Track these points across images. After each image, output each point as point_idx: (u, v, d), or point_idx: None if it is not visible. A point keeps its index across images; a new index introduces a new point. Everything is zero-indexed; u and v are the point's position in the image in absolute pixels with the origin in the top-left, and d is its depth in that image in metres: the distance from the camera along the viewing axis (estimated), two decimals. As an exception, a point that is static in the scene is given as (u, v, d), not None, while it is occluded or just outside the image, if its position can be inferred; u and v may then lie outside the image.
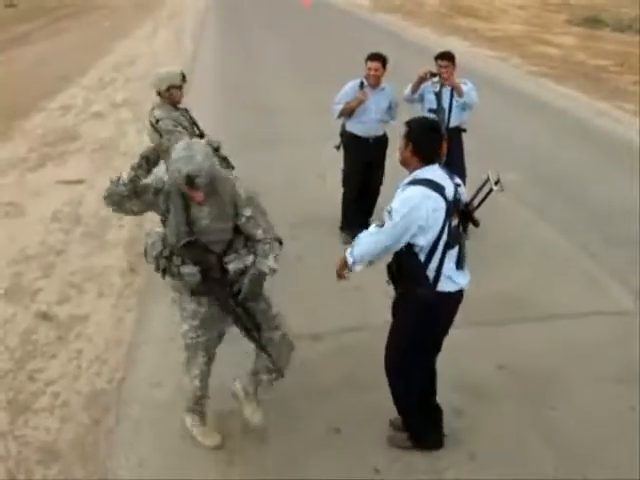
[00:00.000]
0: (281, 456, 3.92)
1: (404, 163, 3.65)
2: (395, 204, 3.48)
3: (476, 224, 3.69)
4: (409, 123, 3.64)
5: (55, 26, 24.64)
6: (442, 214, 3.46)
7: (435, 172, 3.55)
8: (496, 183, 3.51)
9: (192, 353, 3.82)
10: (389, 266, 3.69)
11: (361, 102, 6.29)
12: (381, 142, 6.57)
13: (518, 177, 8.32)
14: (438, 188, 3.46)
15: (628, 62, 15.79)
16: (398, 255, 3.60)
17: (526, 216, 7.31)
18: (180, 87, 5.38)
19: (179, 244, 3.48)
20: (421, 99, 6.52)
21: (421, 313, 3.63)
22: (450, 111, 6.43)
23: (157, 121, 5.29)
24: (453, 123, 6.47)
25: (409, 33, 21.41)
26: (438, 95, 6.40)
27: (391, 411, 4.05)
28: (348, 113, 6.41)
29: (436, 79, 6.36)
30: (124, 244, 6.66)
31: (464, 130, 6.63)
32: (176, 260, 3.54)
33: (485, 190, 3.55)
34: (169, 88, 5.31)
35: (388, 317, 4.18)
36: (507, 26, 22.72)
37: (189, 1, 34.67)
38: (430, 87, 6.42)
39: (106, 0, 33.94)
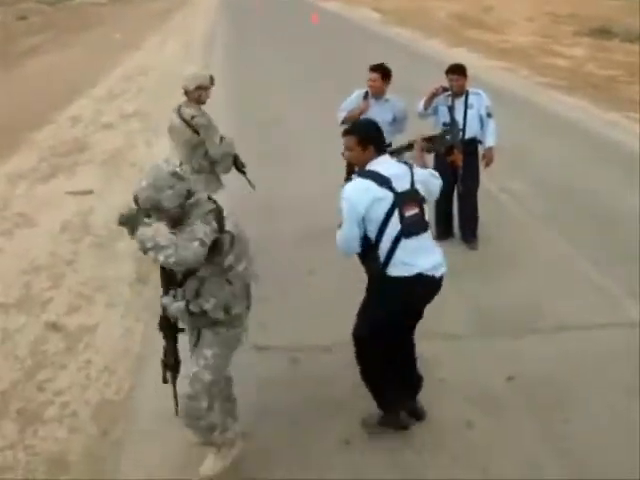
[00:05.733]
0: (290, 469, 3.88)
1: (356, 163, 3.89)
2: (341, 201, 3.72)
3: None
4: (352, 130, 3.85)
5: (65, 38, 24.83)
6: (386, 205, 3.61)
7: (385, 163, 3.75)
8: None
9: (218, 377, 3.62)
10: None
11: (363, 112, 6.30)
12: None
13: (527, 187, 8.30)
14: (382, 180, 3.63)
15: (638, 72, 15.71)
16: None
17: (534, 226, 7.26)
18: (207, 89, 5.55)
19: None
20: (435, 112, 6.48)
21: (381, 292, 3.82)
22: (465, 123, 6.39)
23: (192, 117, 5.48)
24: (468, 135, 6.43)
25: (419, 45, 21.43)
26: (451, 108, 6.37)
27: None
28: (350, 122, 6.43)
29: (448, 93, 6.36)
30: (133, 255, 6.64)
31: (480, 142, 6.58)
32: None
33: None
34: (197, 88, 5.46)
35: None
36: (516, 38, 22.68)
37: (202, 7, 34.94)
38: (443, 101, 6.40)
39: (117, 14, 34.22)
